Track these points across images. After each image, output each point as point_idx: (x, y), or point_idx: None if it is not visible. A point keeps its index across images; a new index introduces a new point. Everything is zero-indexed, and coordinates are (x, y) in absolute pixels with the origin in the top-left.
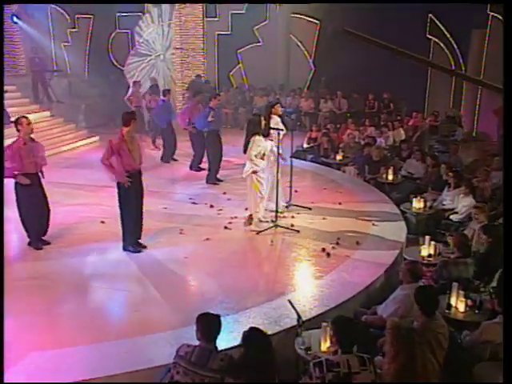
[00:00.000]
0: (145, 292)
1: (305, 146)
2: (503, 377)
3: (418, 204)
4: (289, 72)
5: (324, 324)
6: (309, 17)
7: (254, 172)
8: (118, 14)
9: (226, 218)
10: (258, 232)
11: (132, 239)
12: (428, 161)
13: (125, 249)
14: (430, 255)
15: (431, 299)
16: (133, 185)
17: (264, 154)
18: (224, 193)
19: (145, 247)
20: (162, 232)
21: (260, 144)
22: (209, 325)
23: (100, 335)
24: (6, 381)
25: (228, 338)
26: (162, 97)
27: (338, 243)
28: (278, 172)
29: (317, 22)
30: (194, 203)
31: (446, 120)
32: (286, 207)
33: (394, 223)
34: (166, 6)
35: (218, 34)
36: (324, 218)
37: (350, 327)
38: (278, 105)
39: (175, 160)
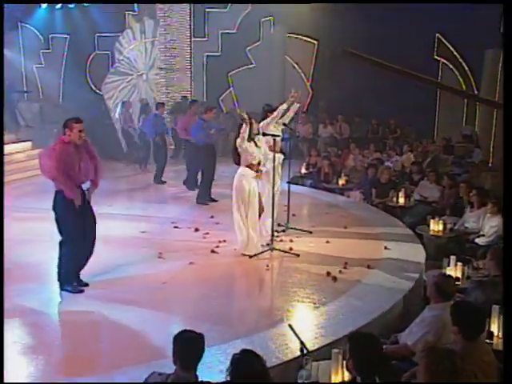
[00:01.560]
0: (112, 322)
1: (303, 171)
2: (503, 377)
3: (436, 226)
4: (284, 95)
5: (335, 351)
6: (306, 37)
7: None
8: (98, 35)
9: (213, 242)
10: (251, 256)
11: (71, 277)
12: (444, 182)
13: (62, 288)
14: (457, 279)
15: (474, 317)
16: (80, 207)
17: (259, 164)
18: (212, 216)
19: (86, 285)
20: (137, 256)
21: (249, 149)
22: (187, 346)
23: (71, 371)
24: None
25: (213, 373)
26: (154, 111)
27: (345, 267)
28: (273, 183)
29: (314, 42)
30: (176, 227)
31: (462, 140)
32: (283, 231)
33: (409, 246)
34: (149, 22)
35: (207, 55)
36: (327, 242)
37: (371, 345)
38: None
39: (163, 182)
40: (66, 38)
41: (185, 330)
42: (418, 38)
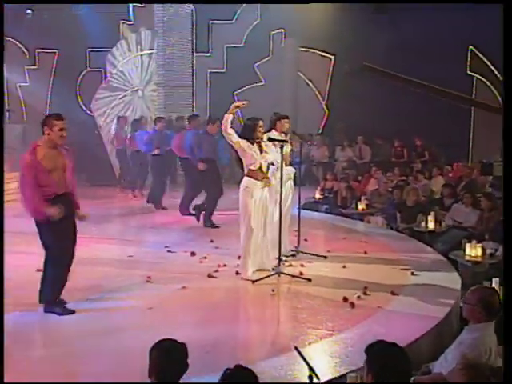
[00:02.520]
0: (91, 350)
1: (317, 196)
2: (503, 376)
3: (473, 251)
4: (297, 116)
5: (352, 375)
6: (321, 51)
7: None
8: (89, 50)
9: (212, 266)
10: (254, 281)
11: (57, 295)
12: (482, 203)
13: (46, 310)
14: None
15: None
16: (64, 216)
17: (261, 170)
18: (211, 241)
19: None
20: (123, 280)
21: (246, 150)
22: (166, 357)
23: None
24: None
25: None
26: (153, 126)
27: (365, 293)
28: (280, 195)
29: (330, 56)
30: (169, 251)
31: (501, 158)
32: (293, 255)
33: (442, 272)
34: (146, 33)
35: (211, 72)
36: (344, 267)
37: (394, 355)
38: (287, 120)
39: (163, 208)
40: (54, 52)
41: (164, 339)
42: (448, 50)
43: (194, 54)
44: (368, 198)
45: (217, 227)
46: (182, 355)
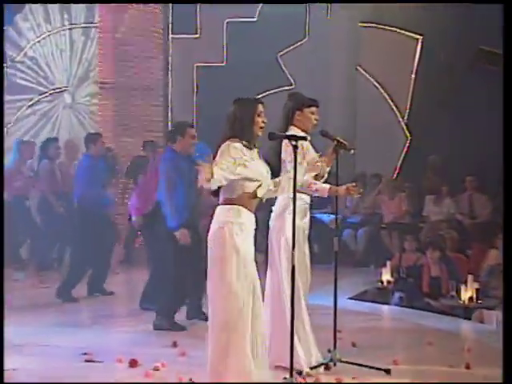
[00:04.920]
0: None
1: (386, 278)
2: (503, 376)
3: None
4: (355, 144)
5: None
6: (397, 29)
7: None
8: None
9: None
10: None
11: None
12: None
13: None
14: None
15: None
16: None
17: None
18: (174, 343)
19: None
20: None
21: (235, 156)
22: None
23: None
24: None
25: None
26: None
27: None
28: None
29: (417, 37)
30: (89, 361)
31: None
32: (325, 365)
33: None
34: None
35: (200, 66)
36: None
37: None
38: (314, 108)
39: (108, 293)
40: None
41: None
42: None
43: (170, 36)
44: (483, 279)
45: (182, 329)
46: None
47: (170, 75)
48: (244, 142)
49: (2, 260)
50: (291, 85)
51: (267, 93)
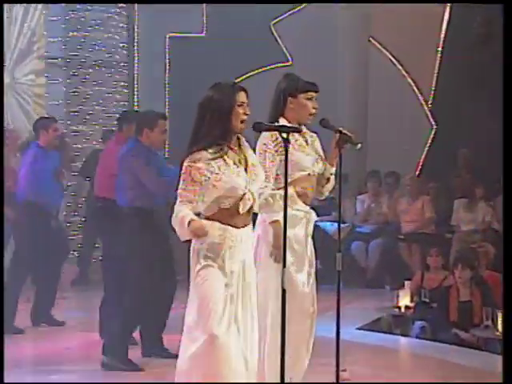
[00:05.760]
0: None
1: (404, 303)
2: (503, 376)
3: None
4: (366, 135)
5: None
6: None
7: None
8: None
9: None
10: None
11: None
12: None
13: None
14: None
15: None
16: None
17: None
18: None
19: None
20: None
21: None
22: None
23: None
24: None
25: None
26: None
27: None
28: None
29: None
30: None
31: None
32: None
33: None
34: None
35: (173, 37)
36: None
37: None
38: (312, 94)
39: (57, 323)
40: None
41: None
42: None
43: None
44: None
45: (139, 370)
46: None
47: (135, 48)
48: (211, 153)
49: (1, 260)
50: (287, 61)
51: (257, 71)
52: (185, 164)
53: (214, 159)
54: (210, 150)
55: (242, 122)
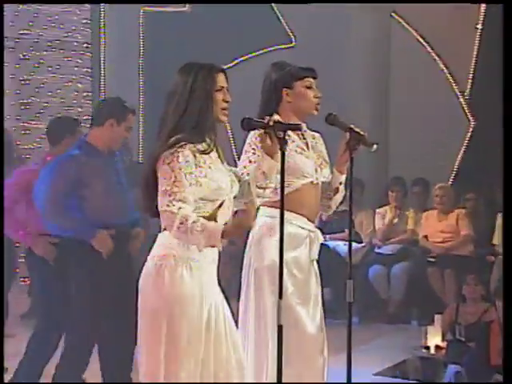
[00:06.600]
0: None
1: (433, 343)
2: (503, 376)
3: None
4: (388, 134)
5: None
6: None
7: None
8: None
9: None
10: None
11: None
12: None
13: None
14: None
15: None
16: None
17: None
18: None
19: None
20: None
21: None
22: None
23: None
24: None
25: None
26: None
27: None
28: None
29: None
30: None
31: None
32: None
33: None
34: None
35: (145, 11)
36: None
37: None
38: (310, 80)
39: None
40: None
41: None
42: None
43: None
44: None
45: None
46: None
47: (101, 25)
48: (191, 147)
49: (1, 260)
50: (290, 42)
51: (253, 54)
52: (165, 162)
53: (202, 153)
54: (191, 146)
55: (222, 109)
